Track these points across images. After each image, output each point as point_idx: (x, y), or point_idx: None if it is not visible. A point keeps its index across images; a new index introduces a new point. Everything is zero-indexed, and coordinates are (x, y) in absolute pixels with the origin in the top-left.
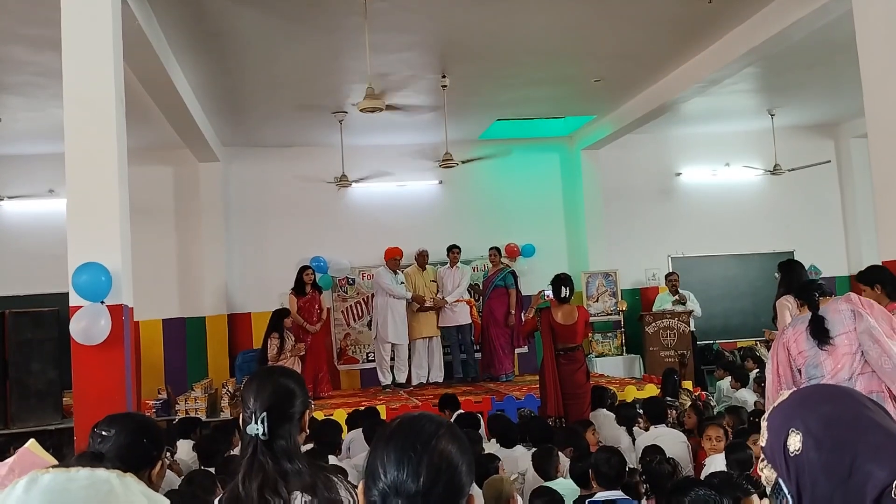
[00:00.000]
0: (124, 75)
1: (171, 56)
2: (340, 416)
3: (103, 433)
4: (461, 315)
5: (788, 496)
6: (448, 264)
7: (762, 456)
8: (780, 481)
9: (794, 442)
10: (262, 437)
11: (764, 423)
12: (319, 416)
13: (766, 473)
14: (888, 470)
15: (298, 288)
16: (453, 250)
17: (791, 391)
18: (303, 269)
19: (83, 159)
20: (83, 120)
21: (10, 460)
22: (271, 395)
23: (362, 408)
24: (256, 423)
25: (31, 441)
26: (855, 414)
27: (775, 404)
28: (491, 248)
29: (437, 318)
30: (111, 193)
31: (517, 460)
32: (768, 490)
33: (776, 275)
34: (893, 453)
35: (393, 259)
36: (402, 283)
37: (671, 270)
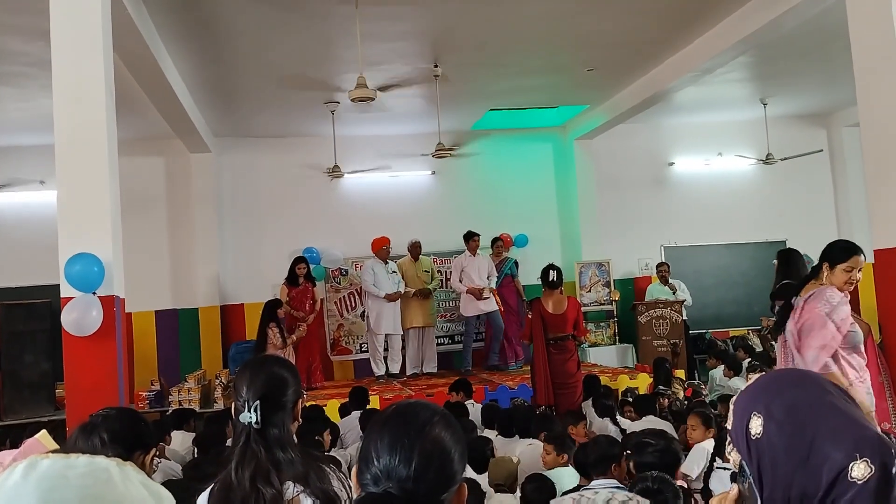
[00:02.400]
0: (114, 65)
1: (161, 46)
2: (333, 406)
3: (101, 413)
4: (489, 302)
5: (750, 478)
6: (466, 253)
7: (729, 438)
8: (744, 463)
9: (756, 425)
10: (254, 426)
11: (731, 406)
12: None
13: (734, 457)
14: (844, 452)
15: (291, 279)
16: (474, 238)
17: (759, 375)
18: (297, 261)
19: (73, 150)
20: (73, 110)
21: (16, 451)
22: (264, 384)
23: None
24: (249, 411)
25: (43, 432)
26: (816, 398)
27: (743, 388)
28: (497, 240)
29: (460, 306)
30: (102, 184)
31: (515, 448)
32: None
33: (774, 262)
34: (850, 436)
35: (381, 249)
36: (394, 272)
37: (662, 261)
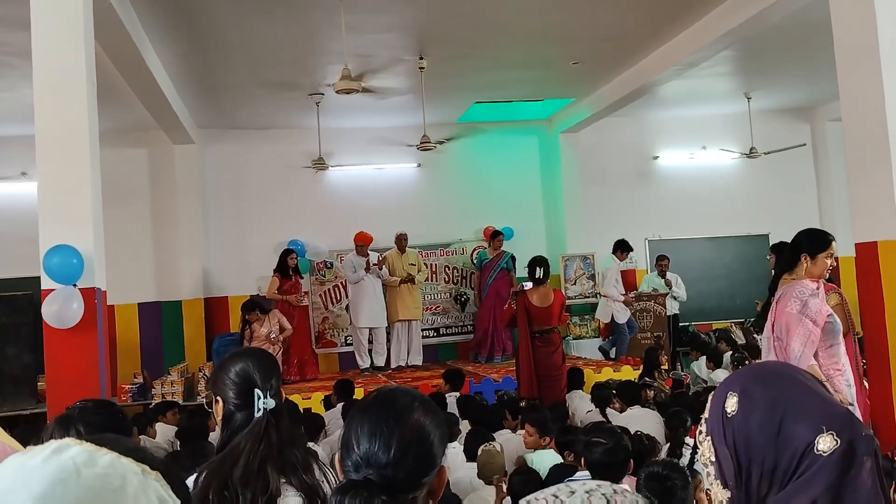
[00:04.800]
0: (96, 55)
1: (143, 35)
2: (319, 399)
3: (78, 405)
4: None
5: (720, 461)
6: (618, 262)
7: (703, 431)
8: (715, 446)
9: (731, 403)
10: (270, 411)
11: (710, 398)
12: (297, 399)
13: (705, 445)
14: (812, 426)
15: (283, 271)
16: (497, 236)
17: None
18: (287, 253)
19: (54, 141)
20: (54, 101)
21: None
22: (273, 371)
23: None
24: (266, 396)
25: None
26: (790, 380)
27: (724, 379)
28: (498, 234)
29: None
30: (83, 175)
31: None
32: (706, 470)
33: (768, 257)
34: (818, 412)
35: (357, 245)
36: (376, 264)
37: (662, 254)
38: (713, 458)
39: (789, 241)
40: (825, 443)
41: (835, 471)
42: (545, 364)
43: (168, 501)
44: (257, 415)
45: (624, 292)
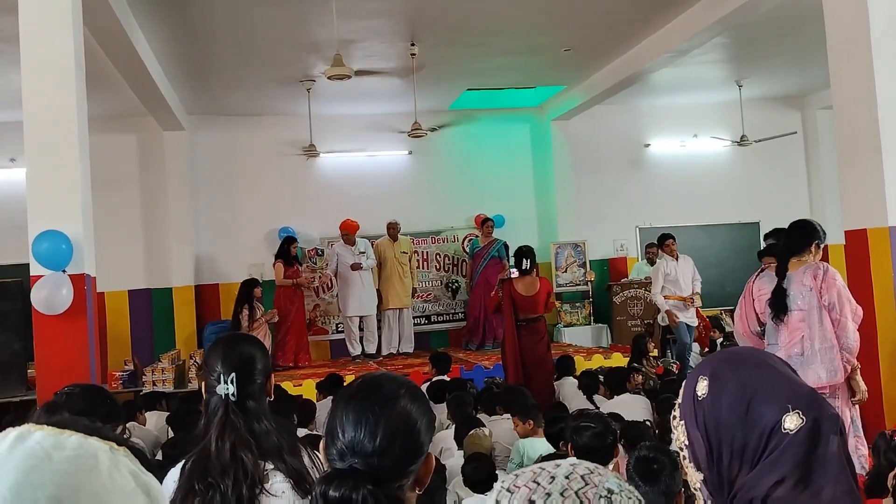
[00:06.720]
0: (84, 40)
1: (133, 20)
2: (310, 386)
3: (66, 391)
4: (691, 313)
5: (692, 444)
6: (665, 257)
7: (676, 415)
8: (687, 429)
9: (702, 387)
10: (231, 398)
11: (683, 384)
12: (288, 386)
13: (679, 431)
14: (779, 405)
15: (286, 258)
16: (668, 241)
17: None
18: (290, 241)
19: (42, 127)
20: (42, 86)
21: None
22: (238, 359)
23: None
24: (226, 383)
25: None
26: (758, 361)
27: (696, 365)
28: (488, 220)
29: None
30: (71, 161)
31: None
32: (681, 455)
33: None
34: (785, 392)
35: (342, 234)
36: (363, 252)
37: (651, 242)
38: (686, 442)
39: (787, 227)
40: (791, 421)
41: (802, 448)
42: (531, 352)
43: (140, 475)
44: (222, 401)
45: (687, 290)
